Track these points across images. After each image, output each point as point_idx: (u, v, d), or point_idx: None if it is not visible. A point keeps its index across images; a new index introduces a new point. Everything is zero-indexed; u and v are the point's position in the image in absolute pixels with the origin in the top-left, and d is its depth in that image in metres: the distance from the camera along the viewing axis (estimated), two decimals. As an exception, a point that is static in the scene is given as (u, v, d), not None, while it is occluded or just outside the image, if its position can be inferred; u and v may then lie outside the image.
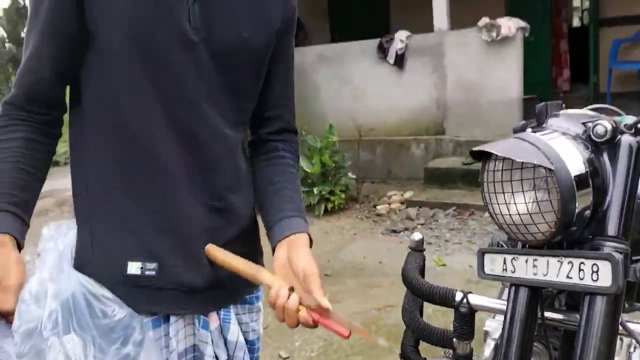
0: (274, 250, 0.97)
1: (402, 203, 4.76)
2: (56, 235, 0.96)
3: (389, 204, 4.80)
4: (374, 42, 5.51)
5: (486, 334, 1.44)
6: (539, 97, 6.45)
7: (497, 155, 1.02)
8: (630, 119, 1.35)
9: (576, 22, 9.90)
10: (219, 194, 0.97)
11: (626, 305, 1.66)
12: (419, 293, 1.33)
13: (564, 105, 1.21)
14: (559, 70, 6.83)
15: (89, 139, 0.93)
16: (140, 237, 0.92)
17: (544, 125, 1.10)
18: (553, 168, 0.92)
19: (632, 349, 1.35)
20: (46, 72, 0.90)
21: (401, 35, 5.29)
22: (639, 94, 5.70)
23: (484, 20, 4.81)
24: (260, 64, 0.98)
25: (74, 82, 0.93)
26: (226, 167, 0.97)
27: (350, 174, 4.97)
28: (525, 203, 0.98)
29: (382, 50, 5.42)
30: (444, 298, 1.25)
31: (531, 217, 0.97)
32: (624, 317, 1.49)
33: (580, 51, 6.87)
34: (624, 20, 6.12)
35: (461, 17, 5.46)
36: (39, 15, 0.87)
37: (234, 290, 1.01)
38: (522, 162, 0.97)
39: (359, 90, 5.72)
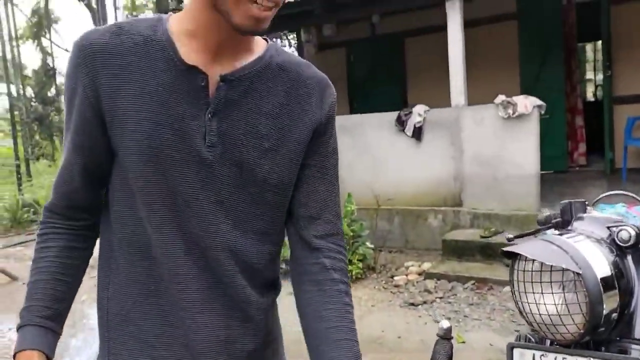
0: None
1: (419, 274, 4.75)
2: (83, 346, 1.02)
3: (407, 274, 4.79)
4: (392, 115, 5.68)
5: None
6: (556, 172, 6.54)
7: (525, 256, 1.08)
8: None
9: (590, 96, 10.12)
10: (238, 306, 0.93)
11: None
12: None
13: (587, 203, 1.27)
14: (574, 145, 6.92)
15: (112, 246, 0.94)
16: (154, 350, 0.92)
17: (569, 228, 1.17)
18: (581, 272, 0.98)
19: None
20: (78, 181, 0.92)
21: (419, 109, 5.45)
22: (656, 170, 5.75)
23: (501, 97, 4.95)
24: (288, 171, 0.94)
25: (106, 190, 0.95)
26: (250, 279, 0.93)
27: (368, 243, 5.00)
28: (555, 304, 1.03)
29: (401, 123, 5.57)
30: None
31: (560, 318, 1.02)
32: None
33: (595, 125, 6.99)
34: (637, 99, 6.26)
35: (477, 93, 5.64)
36: (70, 129, 0.91)
37: None
38: (551, 265, 1.03)
39: (377, 160, 5.84)
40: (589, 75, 10.57)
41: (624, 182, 5.60)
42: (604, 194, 1.65)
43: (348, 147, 6.02)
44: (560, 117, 6.64)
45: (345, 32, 8.11)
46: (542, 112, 4.91)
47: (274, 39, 6.62)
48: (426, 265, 4.89)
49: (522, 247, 1.07)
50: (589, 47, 10.18)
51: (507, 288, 3.98)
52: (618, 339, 1.02)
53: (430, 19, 6.49)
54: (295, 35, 10.27)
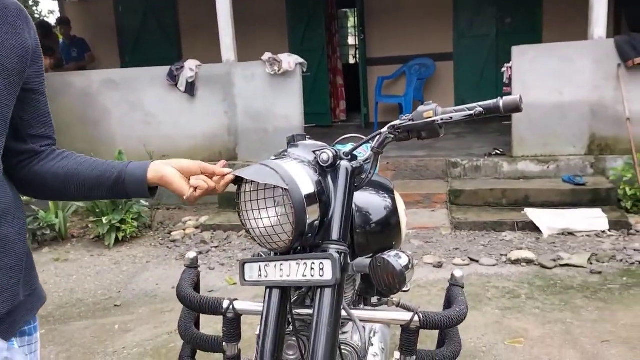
0: (144, 186, 1.08)
1: (197, 228, 4.84)
2: None
3: (184, 229, 4.84)
4: (164, 69, 5.54)
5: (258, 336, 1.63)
6: (320, 126, 7.18)
7: (247, 179, 1.22)
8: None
9: (351, 59, 11.21)
10: None
11: (374, 301, 2.02)
12: (191, 306, 1.47)
13: (308, 137, 1.47)
14: (336, 102, 7.67)
15: None
16: None
17: (284, 153, 1.35)
18: (288, 188, 1.15)
19: (372, 334, 1.66)
20: None
21: (191, 64, 5.42)
22: (399, 123, 6.71)
23: (267, 55, 5.21)
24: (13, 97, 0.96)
25: None
26: None
27: (142, 201, 4.88)
28: (269, 217, 1.19)
29: (173, 78, 5.48)
30: (213, 307, 1.41)
31: (274, 229, 1.19)
32: (367, 308, 1.81)
33: (354, 84, 7.83)
34: (385, 60, 7.17)
35: (250, 52, 5.82)
36: None
37: (13, 324, 0.98)
38: (265, 184, 1.19)
39: (150, 116, 5.67)
40: (351, 40, 11.67)
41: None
42: (340, 138, 1.92)
43: (118, 102, 5.72)
44: (324, 77, 7.26)
45: (111, -21, 7.52)
46: (304, 69, 5.31)
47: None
48: (203, 219, 5.00)
49: (241, 171, 1.20)
50: (350, 13, 11.19)
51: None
52: (321, 242, 1.21)
53: (201, -27, 6.41)
54: (52, -21, 9.14)
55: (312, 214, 1.20)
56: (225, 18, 5.30)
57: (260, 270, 1.29)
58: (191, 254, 1.65)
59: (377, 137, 1.32)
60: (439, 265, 3.61)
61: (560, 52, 4.76)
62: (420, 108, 1.23)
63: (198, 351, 1.51)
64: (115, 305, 3.35)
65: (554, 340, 2.58)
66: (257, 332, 1.27)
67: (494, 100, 1.18)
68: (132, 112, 5.70)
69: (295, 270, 1.20)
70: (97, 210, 4.63)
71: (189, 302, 1.46)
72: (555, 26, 6.65)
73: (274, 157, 1.31)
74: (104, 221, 4.51)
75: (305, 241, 1.23)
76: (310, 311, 1.30)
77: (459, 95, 7.12)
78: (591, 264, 3.50)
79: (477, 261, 3.65)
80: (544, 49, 4.95)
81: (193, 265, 1.64)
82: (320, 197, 1.22)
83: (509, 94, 4.91)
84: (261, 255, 1.47)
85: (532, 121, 4.82)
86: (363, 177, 1.32)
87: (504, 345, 2.55)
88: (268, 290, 1.27)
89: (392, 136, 1.30)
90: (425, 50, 6.90)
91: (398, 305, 2.23)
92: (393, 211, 1.57)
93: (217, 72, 5.44)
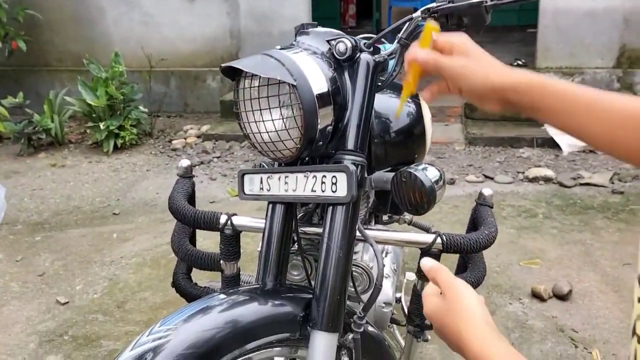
0: None
1: (198, 137, 4.65)
2: None
3: (185, 138, 4.65)
4: (161, -36, 5.09)
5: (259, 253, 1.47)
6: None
7: (247, 73, 1.00)
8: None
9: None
10: None
11: (385, 218, 1.85)
12: (185, 220, 1.30)
13: (319, 27, 1.22)
14: (345, 6, 7.17)
15: None
16: None
17: (293, 43, 1.11)
18: (296, 84, 0.93)
19: (384, 254, 1.50)
20: None
21: (190, -42, 4.97)
22: (414, 31, 6.29)
23: (274, -53, 4.75)
24: None
25: None
26: None
27: (141, 107, 4.65)
28: (272, 120, 0.98)
29: (171, -27, 5.05)
30: (209, 222, 1.23)
31: (278, 134, 0.98)
32: (380, 227, 1.64)
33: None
34: (402, -40, 6.59)
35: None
36: None
37: None
38: (269, 79, 0.97)
39: (148, 16, 5.29)
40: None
41: (389, 40, 6.04)
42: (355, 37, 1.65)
43: (116, 1, 5.32)
44: (335, -24, 6.73)
45: None
46: (314, -34, 4.86)
47: None
48: (205, 128, 4.80)
49: (239, 62, 0.97)
50: None
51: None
52: (334, 152, 1.01)
53: None
54: None
55: (325, 118, 0.99)
56: None
57: (261, 182, 1.11)
58: (184, 162, 1.46)
59: (406, 24, 1.08)
60: (452, 182, 3.44)
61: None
62: (464, -13, 0.98)
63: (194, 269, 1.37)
64: (114, 214, 3.23)
65: (572, 262, 2.45)
66: (259, 249, 1.11)
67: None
68: (129, 12, 5.31)
69: (303, 184, 1.02)
70: (94, 115, 4.41)
71: (182, 215, 1.29)
72: None
73: (279, 47, 1.08)
74: (102, 127, 4.32)
75: (315, 150, 1.03)
76: (318, 230, 1.13)
77: (479, 2, 6.60)
78: (613, 183, 3.33)
79: (492, 178, 3.47)
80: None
81: (187, 174, 1.46)
82: (335, 97, 1.00)
83: (537, 1, 4.52)
84: (263, 166, 1.29)
85: (559, 29, 4.45)
86: (386, 75, 1.09)
87: (519, 266, 2.43)
88: (271, 205, 1.09)
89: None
90: (446, -51, 6.31)
91: (410, 223, 2.08)
92: (417, 119, 1.35)
93: (219, -32, 5.00)
